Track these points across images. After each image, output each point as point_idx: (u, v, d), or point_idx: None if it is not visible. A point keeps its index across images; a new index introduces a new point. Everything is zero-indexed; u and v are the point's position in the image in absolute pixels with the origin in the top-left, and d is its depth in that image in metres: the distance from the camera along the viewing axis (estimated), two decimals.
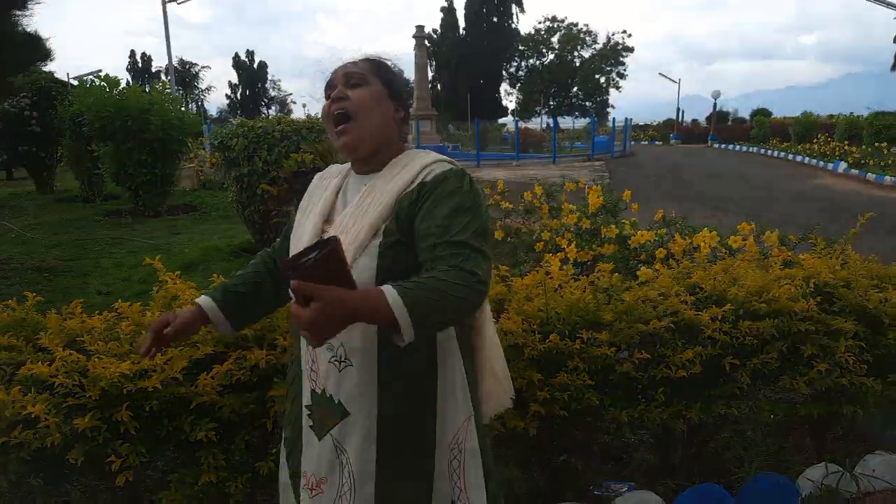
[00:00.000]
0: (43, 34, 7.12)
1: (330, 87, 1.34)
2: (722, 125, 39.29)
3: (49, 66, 12.75)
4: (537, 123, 50.26)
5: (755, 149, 26.86)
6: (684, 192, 13.25)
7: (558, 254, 3.44)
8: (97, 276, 6.30)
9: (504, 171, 17.93)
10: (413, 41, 23.86)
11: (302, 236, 1.34)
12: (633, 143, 30.66)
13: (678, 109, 42.76)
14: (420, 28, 24.40)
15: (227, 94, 65.02)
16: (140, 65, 61.39)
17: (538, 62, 55.73)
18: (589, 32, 54.12)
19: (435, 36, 49.97)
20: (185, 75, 58.05)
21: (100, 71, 11.73)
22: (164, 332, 1.37)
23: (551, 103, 55.53)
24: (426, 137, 22.08)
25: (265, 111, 61.96)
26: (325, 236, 1.30)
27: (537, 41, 54.90)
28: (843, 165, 17.33)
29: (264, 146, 6.52)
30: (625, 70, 54.33)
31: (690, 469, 2.39)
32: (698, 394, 2.11)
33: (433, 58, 48.51)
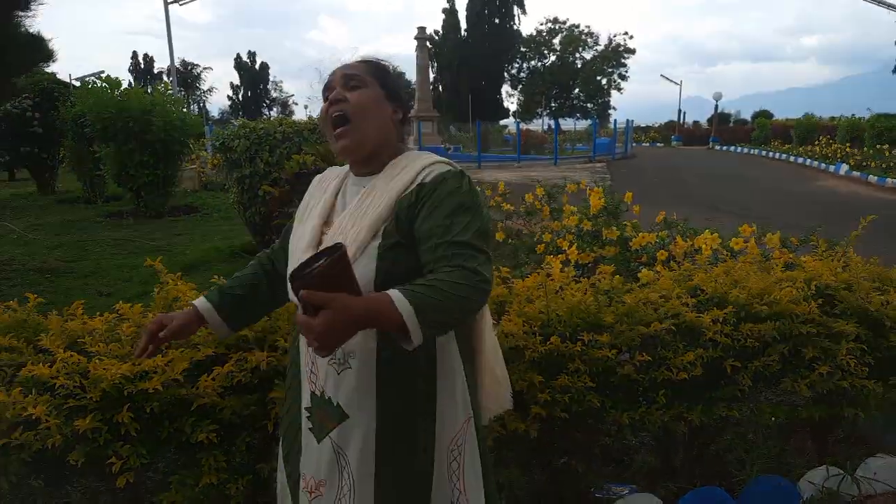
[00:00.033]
0: (45, 35, 7.14)
1: (328, 89, 1.34)
2: (723, 127, 39.28)
3: (51, 67, 12.78)
4: (539, 125, 50.39)
5: (756, 151, 26.86)
6: (686, 193, 13.24)
7: (559, 256, 3.44)
8: (98, 277, 6.31)
9: (505, 172, 17.93)
10: (414, 42, 23.87)
11: (301, 239, 1.34)
12: (634, 144, 30.64)
13: (679, 111, 42.79)
14: (422, 29, 24.39)
15: (228, 96, 65.18)
16: (142, 66, 61.48)
17: (540, 64, 55.74)
18: (590, 34, 54.18)
19: (436, 37, 49.98)
20: (187, 76, 58.19)
21: (102, 72, 11.74)
22: (159, 335, 1.38)
23: (553, 105, 55.55)
24: (427, 139, 22.06)
25: (267, 112, 62.07)
26: (325, 238, 1.30)
27: (539, 43, 54.91)
28: (844, 167, 17.32)
29: (266, 147, 6.53)
30: (626, 72, 54.38)
31: (692, 471, 2.39)
32: (699, 396, 2.11)
33: (435, 59, 48.53)
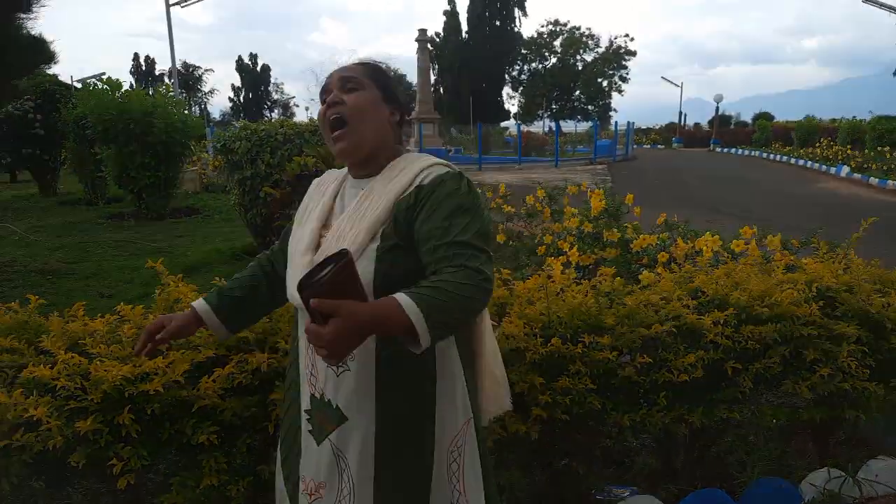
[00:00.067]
0: (47, 37, 7.15)
1: (325, 91, 1.35)
2: (724, 129, 39.26)
3: (53, 69, 12.80)
4: (540, 127, 50.42)
5: (757, 153, 26.84)
6: (687, 195, 13.24)
7: (560, 257, 3.44)
8: (100, 278, 6.31)
9: (506, 174, 17.94)
10: (416, 44, 23.89)
11: (300, 241, 1.34)
12: (635, 146, 30.63)
13: (680, 113, 42.79)
14: (422, 31, 24.41)
15: (230, 97, 65.25)
16: (144, 68, 61.59)
17: (541, 66, 55.78)
18: (591, 36, 54.22)
19: (437, 39, 50.05)
20: (189, 78, 58.26)
21: (103, 74, 11.81)
22: (157, 337, 1.42)
23: (554, 107, 55.59)
24: (429, 141, 22.08)
25: (268, 114, 62.12)
26: (323, 241, 1.30)
27: (540, 45, 54.95)
28: (845, 169, 17.31)
29: (267, 149, 6.53)
30: (627, 74, 54.41)
31: (692, 473, 2.38)
32: (700, 398, 2.10)
33: (436, 61, 48.60)
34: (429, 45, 27.41)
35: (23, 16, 6.54)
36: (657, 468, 2.45)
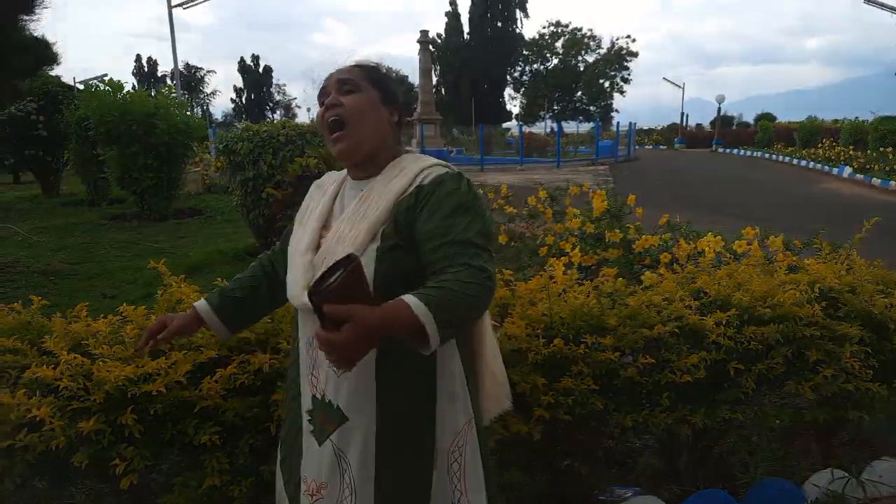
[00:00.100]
0: (49, 38, 7.18)
1: (323, 94, 1.36)
2: (726, 129, 39.21)
3: (55, 71, 12.84)
4: (541, 128, 50.40)
5: (760, 153, 26.82)
6: (689, 196, 13.23)
7: (562, 258, 3.44)
8: (102, 279, 6.33)
9: (508, 175, 17.93)
10: (417, 45, 23.92)
11: (300, 242, 1.35)
12: (637, 147, 30.60)
13: (682, 114, 42.75)
14: (424, 33, 24.45)
15: (232, 99, 65.31)
16: (146, 69, 61.72)
17: (542, 67, 55.81)
18: (593, 37, 54.24)
19: (439, 40, 50.09)
20: (191, 79, 58.37)
21: (105, 75, 11.83)
22: (159, 337, 1.45)
23: (555, 108, 55.60)
24: (430, 142, 22.10)
25: (270, 115, 62.18)
26: (323, 242, 1.31)
27: (541, 46, 54.98)
28: (848, 170, 17.28)
29: (269, 150, 6.54)
30: (629, 75, 54.39)
31: (695, 474, 2.38)
32: (703, 399, 2.10)
33: (437, 62, 48.63)
34: (430, 47, 27.43)
35: (25, 17, 6.56)
36: (660, 469, 2.45)
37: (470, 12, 50.87)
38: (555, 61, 55.26)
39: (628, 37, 53.79)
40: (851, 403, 2.29)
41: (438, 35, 50.54)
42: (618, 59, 53.59)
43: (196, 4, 21.85)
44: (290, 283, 1.32)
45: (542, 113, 54.80)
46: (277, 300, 1.53)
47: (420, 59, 23.70)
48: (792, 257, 3.04)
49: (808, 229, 3.80)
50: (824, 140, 23.71)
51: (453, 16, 51.66)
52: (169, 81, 46.35)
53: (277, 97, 66.32)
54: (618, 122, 29.95)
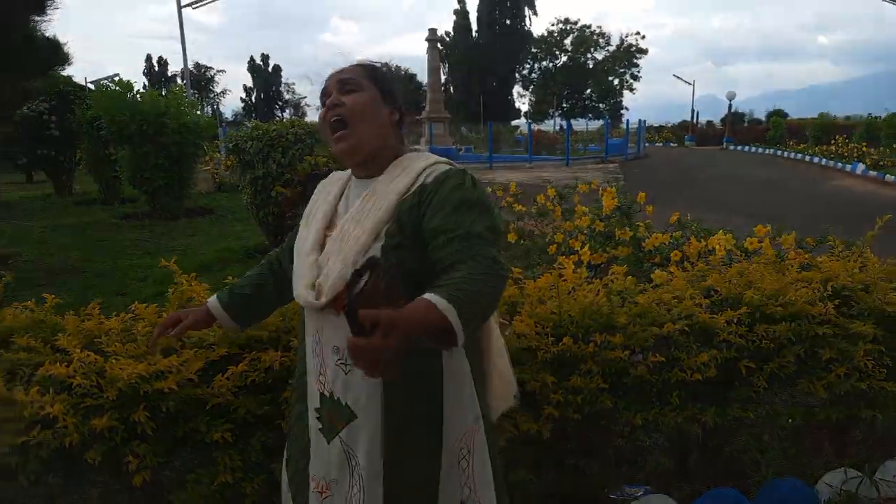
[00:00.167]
0: (60, 39, 7.24)
1: (325, 94, 1.36)
2: (737, 126, 38.90)
3: (67, 70, 12.94)
4: (550, 126, 50.26)
5: (771, 151, 26.60)
6: (699, 194, 13.15)
7: (572, 256, 3.43)
8: (114, 277, 6.38)
9: (517, 173, 17.90)
10: (426, 44, 23.91)
11: (305, 242, 1.36)
12: (647, 144, 30.43)
13: (693, 111, 42.48)
14: (433, 31, 24.44)
15: (241, 98, 65.59)
16: (156, 69, 62.08)
17: (551, 64, 55.65)
18: (602, 34, 54.04)
19: (448, 39, 50.07)
20: (201, 79, 58.66)
21: (116, 75, 11.90)
22: (172, 332, 1.50)
23: (564, 105, 55.43)
24: (439, 140, 22.11)
25: (279, 114, 62.40)
26: (328, 241, 1.32)
27: (550, 43, 54.82)
28: (861, 167, 17.12)
29: (278, 149, 6.57)
30: (638, 72, 54.13)
31: (706, 473, 2.37)
32: (714, 397, 2.09)
33: (446, 60, 48.62)
34: (439, 45, 27.41)
35: (37, 18, 6.62)
36: (670, 467, 2.44)
37: (478, 10, 50.80)
38: (564, 59, 55.09)
39: (637, 33, 53.76)
40: (864, 402, 2.27)
41: (447, 33, 50.58)
42: (627, 55, 53.36)
43: (205, 4, 21.99)
44: (295, 282, 1.33)
45: (551, 111, 54.65)
46: (285, 298, 1.55)
47: (429, 58, 23.69)
48: (804, 255, 3.01)
49: (820, 227, 3.77)
50: (837, 137, 23.49)
51: (462, 14, 51.62)
52: (179, 81, 46.60)
53: (287, 96, 66.56)
54: (627, 120, 29.77)
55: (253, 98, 64.80)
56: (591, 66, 54.53)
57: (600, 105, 54.91)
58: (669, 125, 45.46)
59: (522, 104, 57.12)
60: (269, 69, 64.93)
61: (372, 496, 1.27)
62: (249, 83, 64.89)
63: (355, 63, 1.39)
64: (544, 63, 55.78)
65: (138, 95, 10.10)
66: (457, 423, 1.31)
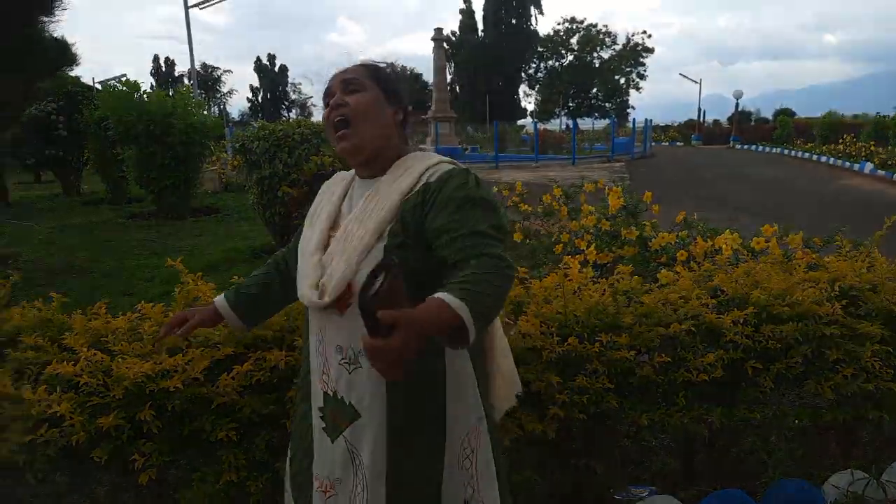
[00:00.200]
0: (68, 39, 7.26)
1: (328, 94, 1.37)
2: (744, 125, 38.72)
3: (74, 71, 13.01)
4: (556, 125, 50.18)
5: (778, 150, 26.45)
6: (706, 193, 13.10)
7: (578, 256, 3.42)
8: (121, 277, 6.41)
9: (523, 172, 17.87)
10: (432, 43, 23.90)
11: (309, 241, 1.37)
12: (653, 144, 30.33)
13: (699, 110, 42.30)
14: (439, 30, 24.41)
15: (248, 98, 65.81)
16: (164, 69, 62.33)
17: (557, 63, 55.55)
18: (608, 33, 53.90)
19: (454, 38, 50.04)
20: (208, 79, 58.85)
21: (123, 75, 11.96)
22: (179, 331, 1.51)
23: (570, 104, 55.32)
24: (445, 139, 22.08)
25: (286, 114, 62.54)
26: (332, 241, 1.32)
27: (556, 42, 54.72)
28: (869, 166, 17.01)
29: (285, 149, 6.58)
30: (645, 71, 53.95)
31: (712, 474, 2.36)
32: (720, 398, 2.08)
33: (452, 60, 48.59)
34: (445, 44, 27.40)
35: (45, 19, 6.65)
36: (676, 468, 2.43)
37: (484, 9, 50.76)
38: (570, 58, 54.97)
39: (644, 32, 53.53)
40: (872, 403, 2.25)
41: (453, 33, 50.54)
42: (633, 54, 53.20)
43: (212, 4, 22.05)
44: (299, 282, 1.33)
45: (557, 110, 54.56)
46: (290, 297, 1.55)
47: (434, 57, 23.67)
48: (811, 255, 2.99)
49: (828, 226, 3.75)
50: (845, 136, 23.32)
51: (467, 13, 51.60)
52: (186, 81, 46.82)
53: (293, 96, 66.72)
54: (634, 119, 29.68)
55: (259, 98, 64.98)
56: (597, 66, 54.40)
57: (606, 104, 54.77)
58: (676, 124, 45.27)
59: (528, 103, 57.16)
60: (276, 69, 65.09)
61: (375, 496, 1.27)
62: (256, 83, 65.10)
63: (358, 63, 1.39)
64: (550, 62, 55.71)
65: (145, 96, 10.14)
66: (460, 422, 1.31)
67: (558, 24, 55.21)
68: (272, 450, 1.80)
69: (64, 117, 13.06)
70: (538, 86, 56.52)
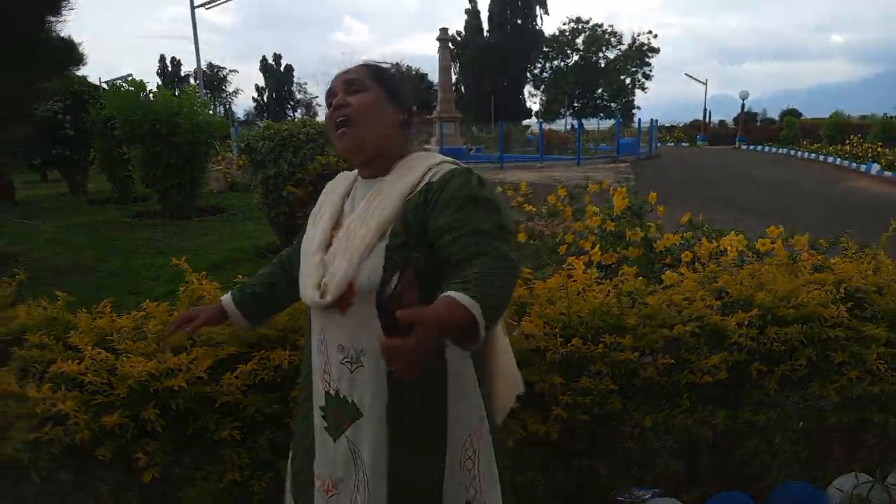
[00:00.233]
0: (75, 39, 7.29)
1: (331, 94, 1.37)
2: (750, 126, 38.60)
3: (81, 71, 13.04)
4: (562, 125, 50.07)
5: (785, 150, 26.36)
6: (711, 194, 13.06)
7: (582, 257, 3.41)
8: (126, 276, 6.43)
9: (528, 173, 17.85)
10: (437, 43, 23.91)
11: (312, 241, 1.37)
12: (659, 144, 30.22)
13: (705, 110, 42.19)
14: (444, 30, 24.42)
15: (254, 98, 65.98)
16: (170, 69, 62.55)
17: (563, 64, 55.46)
18: (614, 33, 53.80)
19: (459, 38, 50.03)
20: (213, 79, 59.04)
21: (129, 75, 12.00)
22: (186, 330, 1.53)
23: (576, 105, 55.24)
24: (450, 140, 22.09)
25: (291, 114, 62.66)
26: (334, 241, 1.32)
27: (562, 42, 54.64)
28: (876, 167, 16.94)
29: (290, 148, 6.59)
30: (650, 71, 53.85)
31: (716, 476, 2.35)
32: (724, 400, 2.08)
33: (457, 60, 48.59)
34: (450, 44, 27.39)
35: (52, 18, 6.68)
36: (679, 470, 2.42)
37: (489, 9, 50.73)
38: (575, 58, 54.88)
39: (649, 32, 53.35)
40: (877, 406, 2.24)
41: (458, 33, 50.55)
42: (639, 55, 53.09)
43: (218, 4, 22.11)
44: (301, 281, 1.34)
45: (562, 110, 54.46)
46: (295, 297, 1.55)
47: (440, 57, 23.68)
48: (817, 257, 2.98)
49: (834, 228, 3.73)
50: (852, 136, 23.22)
51: (473, 13, 51.59)
52: (192, 81, 46.96)
53: (299, 96, 66.85)
54: (639, 119, 29.58)
55: (265, 98, 65.14)
56: (602, 66, 54.30)
57: (612, 104, 54.66)
58: (682, 125, 45.14)
59: (534, 104, 57.08)
60: (281, 69, 65.24)
61: (376, 495, 1.27)
62: (261, 83, 65.26)
63: (361, 63, 1.40)
64: (556, 62, 55.63)
65: (151, 95, 10.18)
66: (462, 423, 1.31)
67: (564, 24, 55.22)
68: (276, 449, 1.80)
69: (70, 117, 13.10)
70: (543, 86, 56.47)
